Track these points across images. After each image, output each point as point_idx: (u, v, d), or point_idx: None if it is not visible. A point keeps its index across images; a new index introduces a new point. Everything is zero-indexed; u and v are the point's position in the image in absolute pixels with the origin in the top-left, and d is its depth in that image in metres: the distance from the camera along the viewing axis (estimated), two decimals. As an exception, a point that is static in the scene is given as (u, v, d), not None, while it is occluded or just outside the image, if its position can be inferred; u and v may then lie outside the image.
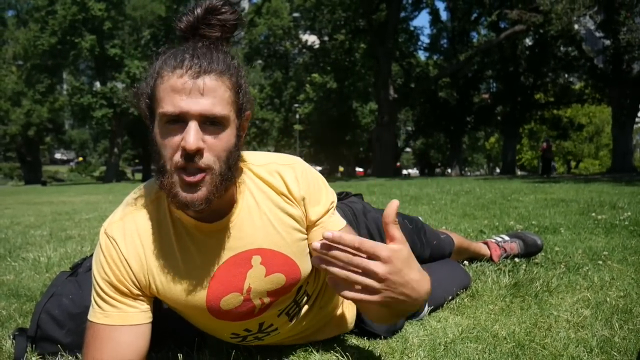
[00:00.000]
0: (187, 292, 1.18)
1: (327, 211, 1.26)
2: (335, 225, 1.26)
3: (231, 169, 1.08)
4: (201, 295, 1.19)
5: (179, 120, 1.01)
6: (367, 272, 0.99)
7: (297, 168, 1.25)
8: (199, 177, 1.03)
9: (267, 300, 1.25)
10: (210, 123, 1.03)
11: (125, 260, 1.15)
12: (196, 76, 1.01)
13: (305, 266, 1.26)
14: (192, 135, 1.00)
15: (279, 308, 1.30)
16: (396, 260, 1.00)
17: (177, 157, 1.02)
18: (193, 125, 1.01)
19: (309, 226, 1.25)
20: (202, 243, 1.17)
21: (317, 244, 1.02)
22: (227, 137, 1.05)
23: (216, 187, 1.05)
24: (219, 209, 1.15)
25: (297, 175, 1.23)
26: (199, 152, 1.01)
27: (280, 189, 1.22)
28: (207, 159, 1.03)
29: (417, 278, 1.04)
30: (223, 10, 1.08)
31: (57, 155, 73.07)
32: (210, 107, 1.01)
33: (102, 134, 38.90)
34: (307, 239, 1.26)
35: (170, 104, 1.01)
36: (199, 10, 1.08)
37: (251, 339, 1.35)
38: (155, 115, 1.05)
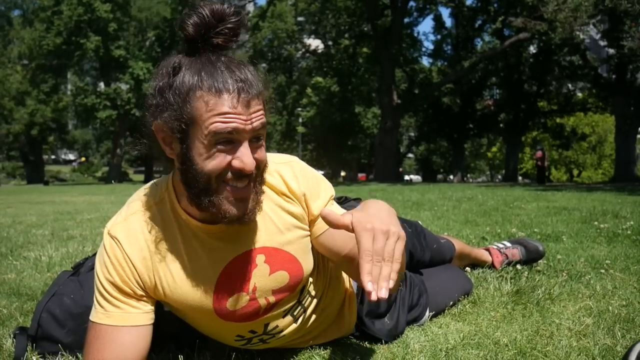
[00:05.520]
0: (195, 293, 1.19)
1: (327, 203, 1.29)
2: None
3: (264, 174, 1.14)
4: (208, 296, 1.20)
5: (230, 142, 1.03)
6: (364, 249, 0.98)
7: (295, 166, 1.28)
8: (248, 189, 1.08)
9: (272, 299, 1.26)
10: (255, 139, 1.06)
11: (130, 260, 1.15)
12: (246, 101, 1.02)
13: (307, 264, 1.28)
14: (249, 156, 1.03)
15: (284, 308, 1.30)
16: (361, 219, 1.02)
17: (229, 175, 1.05)
18: (247, 146, 1.04)
19: (312, 221, 1.27)
20: (208, 245, 1.18)
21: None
22: (264, 148, 1.10)
23: (258, 194, 1.11)
24: None
25: (296, 172, 1.26)
26: None
27: (280, 189, 1.24)
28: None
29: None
30: (232, 18, 1.04)
31: (61, 156, 73.17)
32: (259, 127, 1.05)
33: (105, 135, 38.95)
34: (309, 235, 1.28)
35: (223, 128, 1.01)
36: (207, 15, 1.02)
37: (256, 341, 1.35)
38: (192, 137, 1.03)
